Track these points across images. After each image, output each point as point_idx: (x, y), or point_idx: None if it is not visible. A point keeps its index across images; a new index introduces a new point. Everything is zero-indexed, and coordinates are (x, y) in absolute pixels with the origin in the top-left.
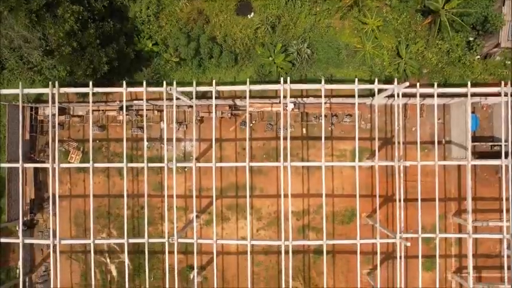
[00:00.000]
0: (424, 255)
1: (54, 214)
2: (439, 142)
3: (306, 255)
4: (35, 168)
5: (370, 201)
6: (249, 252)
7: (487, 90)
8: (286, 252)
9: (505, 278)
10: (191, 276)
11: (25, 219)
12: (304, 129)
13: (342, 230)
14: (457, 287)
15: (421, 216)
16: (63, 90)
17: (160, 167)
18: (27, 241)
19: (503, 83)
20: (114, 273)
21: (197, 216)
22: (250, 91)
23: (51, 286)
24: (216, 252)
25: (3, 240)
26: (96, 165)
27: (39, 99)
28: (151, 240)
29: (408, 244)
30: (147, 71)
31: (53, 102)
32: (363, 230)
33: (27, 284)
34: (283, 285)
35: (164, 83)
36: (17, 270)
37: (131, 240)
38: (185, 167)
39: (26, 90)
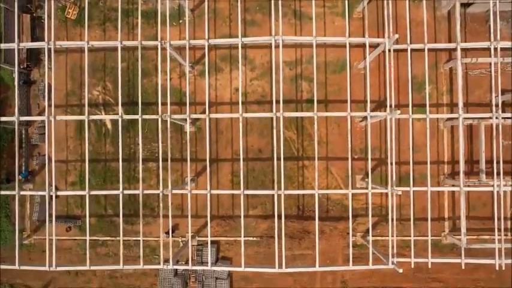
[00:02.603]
0: (416, 104)
1: (50, 68)
2: None
3: (299, 105)
4: (32, 22)
5: (361, 50)
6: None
7: None
8: (278, 103)
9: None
10: (185, 128)
11: (21, 67)
12: None
13: (333, 79)
14: (449, 134)
15: (412, 66)
16: None
17: (155, 20)
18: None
19: None
20: (109, 126)
21: (191, 67)
22: None
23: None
24: (209, 102)
25: None
26: None
27: None
28: (144, 43)
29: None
30: None
31: None
32: (354, 79)
33: (23, 136)
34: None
35: None
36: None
37: (125, 42)
38: (180, 20)
39: None
